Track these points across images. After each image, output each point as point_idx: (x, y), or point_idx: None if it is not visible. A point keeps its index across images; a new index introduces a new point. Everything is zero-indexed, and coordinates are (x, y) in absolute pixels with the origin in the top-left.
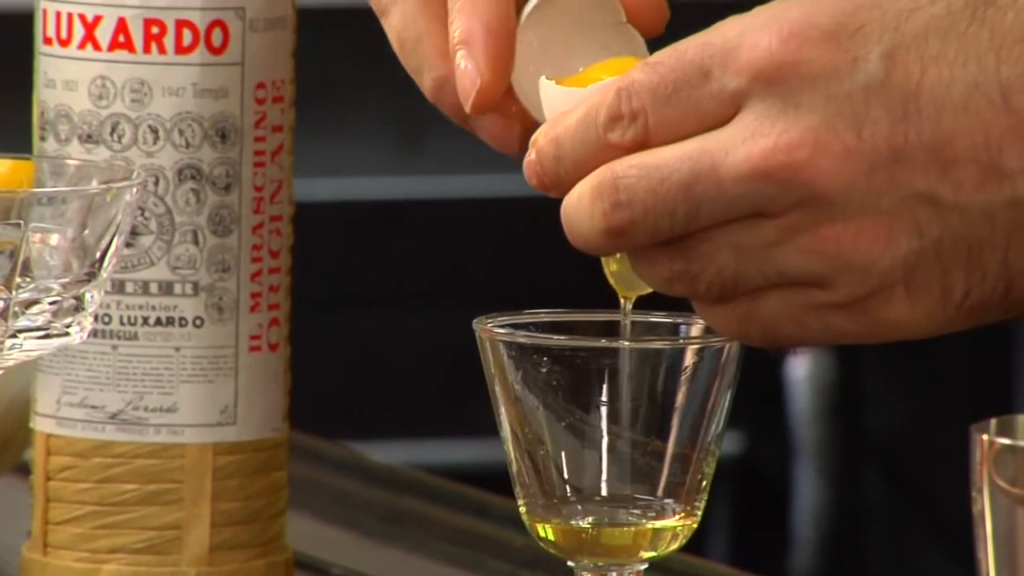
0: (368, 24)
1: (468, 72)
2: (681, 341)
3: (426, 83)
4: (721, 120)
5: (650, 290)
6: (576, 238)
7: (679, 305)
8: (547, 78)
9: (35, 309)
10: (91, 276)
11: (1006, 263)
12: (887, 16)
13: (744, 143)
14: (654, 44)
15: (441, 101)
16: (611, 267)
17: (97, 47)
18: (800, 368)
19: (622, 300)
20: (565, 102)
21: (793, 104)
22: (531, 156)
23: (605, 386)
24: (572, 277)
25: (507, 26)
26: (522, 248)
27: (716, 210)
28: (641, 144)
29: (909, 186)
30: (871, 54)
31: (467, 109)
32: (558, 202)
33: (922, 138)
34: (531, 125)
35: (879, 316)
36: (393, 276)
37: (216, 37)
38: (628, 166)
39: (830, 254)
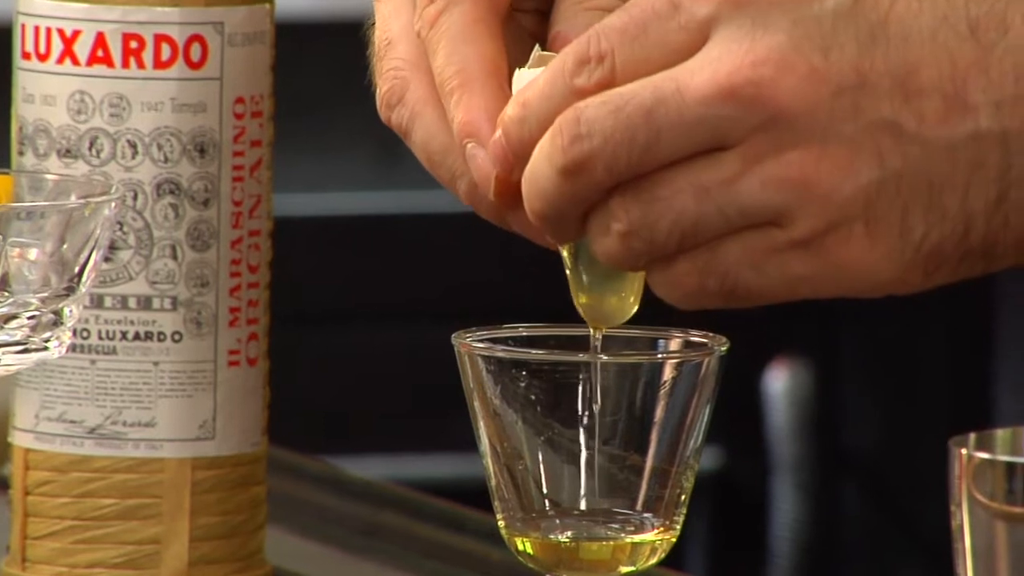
0: (345, 39)
1: (481, 162)
2: (660, 355)
3: (462, 190)
4: (689, 53)
5: (622, 321)
6: (534, 197)
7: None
8: (519, 68)
9: (14, 324)
10: (70, 291)
11: (965, 204)
12: None
13: (710, 64)
14: None
15: (478, 204)
16: (580, 299)
17: (76, 62)
18: (778, 383)
19: (592, 331)
20: None
21: (761, 25)
22: (496, 135)
23: (584, 401)
24: (551, 292)
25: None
26: (501, 262)
27: (676, 137)
28: (608, 85)
29: (873, 113)
30: None
31: (490, 196)
32: None
33: (888, 65)
34: None
35: (838, 255)
36: (370, 291)
37: (195, 52)
38: (591, 99)
39: (792, 181)
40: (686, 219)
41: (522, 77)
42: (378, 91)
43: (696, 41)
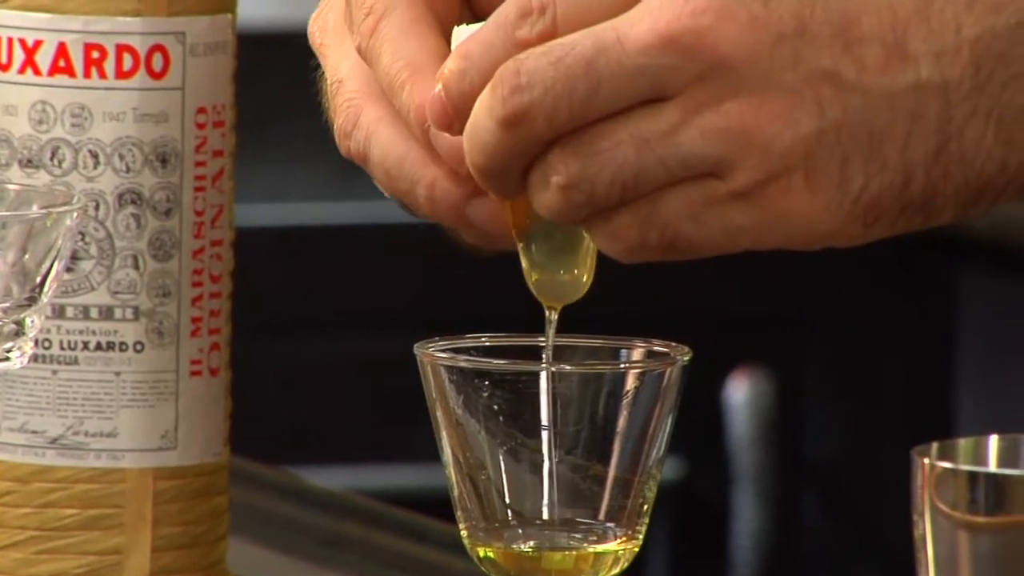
0: (307, 50)
1: (447, 139)
2: (622, 365)
3: (421, 196)
4: (631, 4)
5: (576, 298)
6: (475, 152)
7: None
8: (458, 26)
9: None
10: (31, 301)
11: (905, 155)
12: None
13: (651, 13)
14: None
15: (440, 202)
16: (532, 277)
17: (37, 72)
18: (739, 393)
19: (547, 311)
20: None
21: None
22: (435, 89)
23: (546, 411)
24: (513, 303)
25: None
26: (463, 273)
27: (617, 86)
28: (549, 36)
29: (813, 62)
30: None
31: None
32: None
33: (829, 14)
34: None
35: (777, 206)
36: (332, 301)
37: (156, 62)
38: (530, 51)
39: (732, 131)
40: (627, 171)
41: (461, 33)
42: (334, 127)
43: None
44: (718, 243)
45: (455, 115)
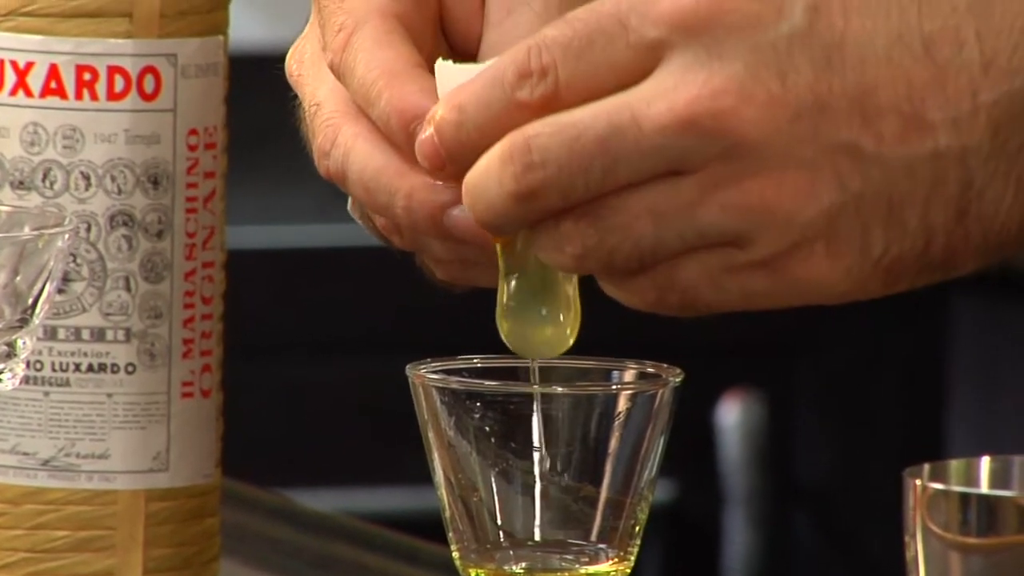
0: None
1: (428, 140)
2: (614, 387)
3: (399, 206)
4: (638, 74)
5: (553, 355)
6: (480, 209)
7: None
8: (443, 59)
9: None
10: (23, 322)
11: (926, 219)
12: None
13: (667, 94)
14: None
15: (418, 211)
16: (504, 325)
17: (29, 93)
18: (730, 415)
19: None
20: (466, 79)
21: (717, 54)
22: (425, 133)
23: (538, 432)
24: None
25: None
26: (455, 295)
27: (634, 165)
28: (551, 101)
29: (832, 136)
30: (795, 5)
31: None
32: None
33: (846, 88)
34: None
35: (797, 274)
36: (324, 323)
37: (148, 83)
38: (541, 125)
39: (752, 208)
40: (644, 244)
41: (445, 69)
42: (313, 148)
43: (645, 62)
44: (736, 305)
45: (449, 161)
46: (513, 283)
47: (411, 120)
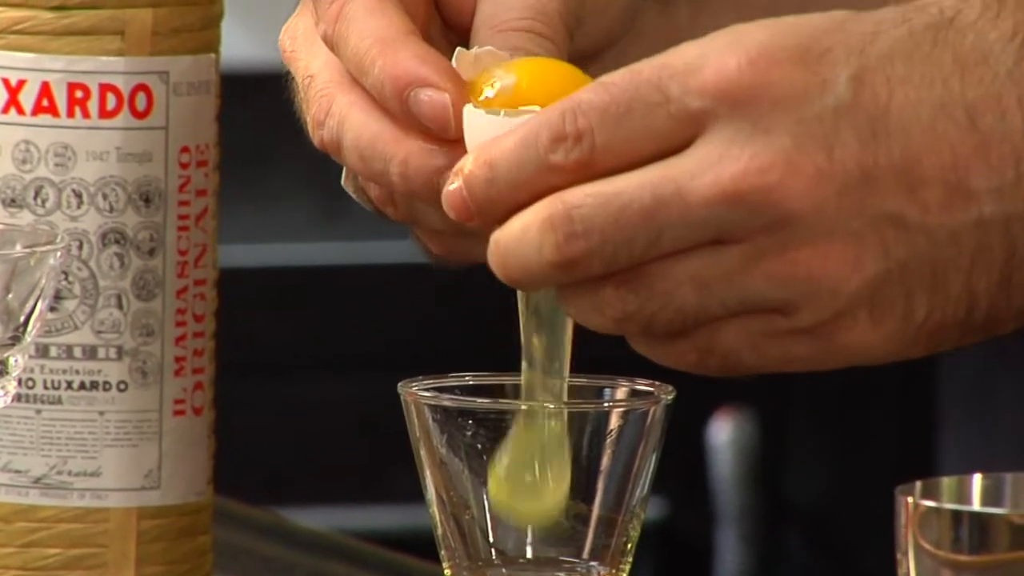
0: (289, 91)
1: (431, 97)
2: (606, 404)
3: (395, 173)
4: (677, 142)
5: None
6: (514, 269)
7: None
8: (473, 105)
9: None
10: (15, 340)
11: (969, 285)
12: (851, 39)
13: (712, 167)
14: None
15: (413, 177)
16: (494, 489)
17: (21, 111)
18: (722, 433)
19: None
20: (494, 130)
21: (763, 128)
22: (453, 185)
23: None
24: (496, 342)
25: (436, 53)
26: (446, 313)
27: (678, 236)
28: (586, 166)
29: (878, 207)
30: (839, 76)
31: (451, 131)
32: (486, 269)
33: (891, 159)
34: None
35: (840, 340)
36: (316, 342)
37: (140, 101)
38: (583, 195)
39: (797, 279)
40: (686, 311)
41: (474, 116)
42: (307, 119)
43: (686, 131)
44: (776, 367)
45: (477, 214)
46: (510, 450)
47: (405, 87)
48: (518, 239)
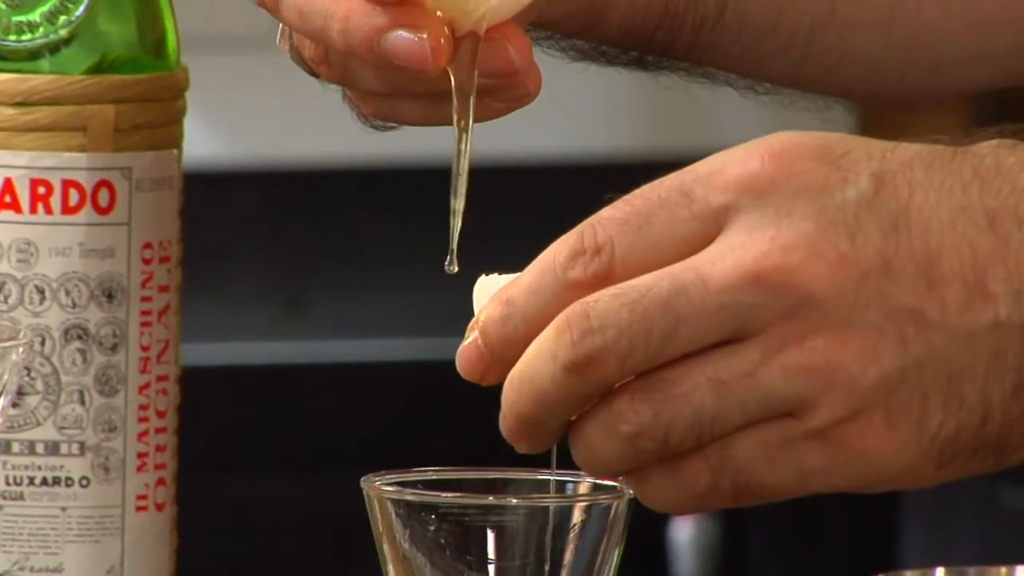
0: (252, 189)
1: (405, 42)
2: (569, 498)
3: (335, 29)
4: (700, 244)
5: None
6: (524, 401)
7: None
8: (486, 274)
9: None
10: None
11: (984, 393)
12: (872, 148)
13: (734, 251)
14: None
15: (353, 36)
16: None
17: None
18: (683, 531)
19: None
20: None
21: (786, 213)
22: (468, 339)
23: (493, 544)
24: (459, 441)
25: None
26: (408, 412)
27: (696, 327)
28: (605, 279)
29: (897, 299)
30: (861, 173)
31: (432, 68)
32: (446, 367)
33: (912, 253)
34: (436, 30)
35: (855, 444)
36: (278, 439)
37: (103, 197)
38: (601, 292)
39: (815, 368)
40: (704, 416)
41: (488, 284)
42: None
43: (708, 231)
44: (790, 487)
45: (492, 363)
46: None
47: None
48: (532, 357)
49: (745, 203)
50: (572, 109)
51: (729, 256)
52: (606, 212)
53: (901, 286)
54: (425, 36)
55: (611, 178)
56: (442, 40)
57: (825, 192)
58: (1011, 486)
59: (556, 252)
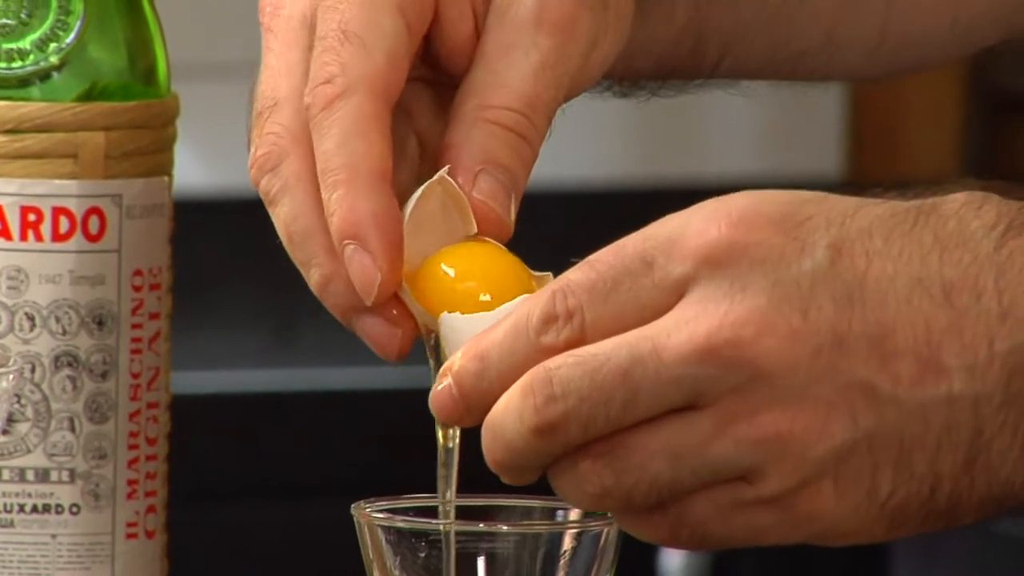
0: (242, 216)
1: (364, 266)
2: (560, 525)
3: (313, 278)
4: (662, 311)
5: None
6: (499, 450)
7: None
8: (448, 312)
9: None
10: None
11: (934, 465)
12: (833, 212)
13: (688, 324)
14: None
15: (327, 298)
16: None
17: None
18: (675, 558)
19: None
20: (477, 327)
21: (740, 286)
22: (441, 384)
23: (484, 571)
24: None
25: (395, 215)
26: (398, 439)
27: (653, 396)
28: (577, 343)
29: (849, 373)
30: (818, 243)
31: (369, 302)
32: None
33: (865, 327)
34: (410, 330)
35: (805, 511)
36: (269, 467)
37: (93, 224)
38: (563, 357)
39: (765, 441)
40: (662, 483)
41: (452, 321)
42: (253, 150)
43: (670, 300)
44: (742, 540)
45: (466, 411)
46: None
47: (350, 236)
48: (501, 413)
49: (703, 274)
50: (569, 136)
51: (684, 329)
52: (574, 276)
53: (853, 360)
54: (399, 333)
55: (609, 204)
56: (412, 340)
57: (780, 264)
58: (1006, 514)
59: (528, 313)
